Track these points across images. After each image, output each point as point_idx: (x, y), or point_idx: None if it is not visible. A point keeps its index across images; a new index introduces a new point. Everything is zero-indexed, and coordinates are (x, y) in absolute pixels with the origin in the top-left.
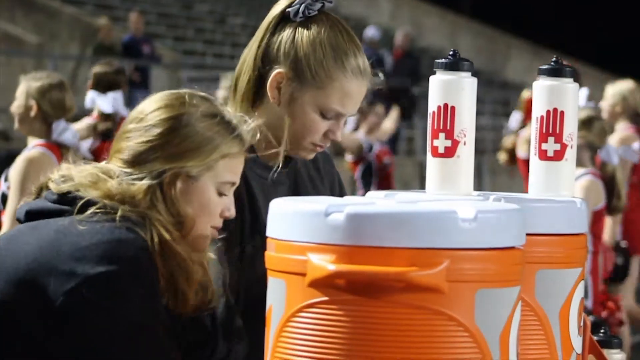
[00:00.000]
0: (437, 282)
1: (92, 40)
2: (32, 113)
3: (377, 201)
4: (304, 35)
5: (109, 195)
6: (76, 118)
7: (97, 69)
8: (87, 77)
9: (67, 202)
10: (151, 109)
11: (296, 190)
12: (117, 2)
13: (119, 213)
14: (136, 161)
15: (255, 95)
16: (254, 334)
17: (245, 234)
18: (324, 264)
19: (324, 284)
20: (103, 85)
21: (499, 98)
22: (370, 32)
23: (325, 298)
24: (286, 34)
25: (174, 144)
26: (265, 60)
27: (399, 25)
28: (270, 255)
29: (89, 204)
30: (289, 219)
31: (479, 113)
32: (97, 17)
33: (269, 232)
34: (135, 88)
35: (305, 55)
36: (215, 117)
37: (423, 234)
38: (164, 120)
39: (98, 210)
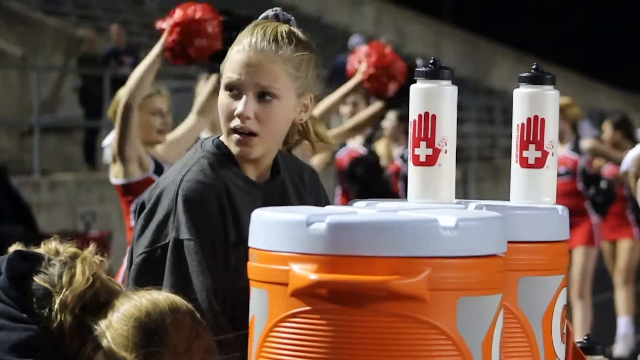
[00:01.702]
0: (418, 290)
1: (76, 51)
2: None
3: (359, 210)
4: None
5: None
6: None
7: None
8: (71, 88)
9: None
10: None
11: (283, 202)
12: (100, 12)
13: None
14: None
15: None
16: (241, 342)
17: (230, 246)
18: (306, 273)
19: (306, 293)
20: None
21: (484, 105)
22: (355, 40)
23: (308, 308)
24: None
25: None
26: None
27: (383, 33)
28: (253, 265)
29: None
30: (271, 229)
31: (463, 120)
32: (81, 28)
33: (251, 243)
34: None
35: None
36: None
37: (404, 243)
38: None
39: None
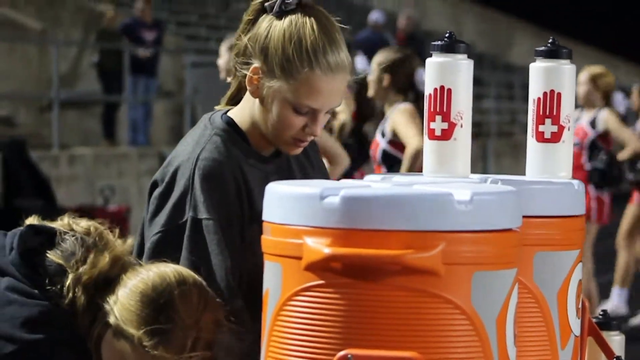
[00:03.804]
0: (433, 264)
1: (96, 26)
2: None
3: (373, 184)
4: (276, 29)
5: None
6: None
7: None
8: (90, 63)
9: None
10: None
11: (289, 177)
12: None
13: None
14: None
15: (242, 90)
16: (255, 318)
17: (245, 222)
18: (320, 247)
19: (319, 267)
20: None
21: (503, 81)
22: (375, 15)
23: (321, 281)
24: (263, 27)
25: None
26: (245, 55)
27: (403, 9)
28: (267, 239)
29: None
30: (285, 202)
31: (483, 96)
32: (100, 3)
33: (265, 216)
34: (139, 73)
35: (276, 49)
36: None
37: (419, 217)
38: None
39: None
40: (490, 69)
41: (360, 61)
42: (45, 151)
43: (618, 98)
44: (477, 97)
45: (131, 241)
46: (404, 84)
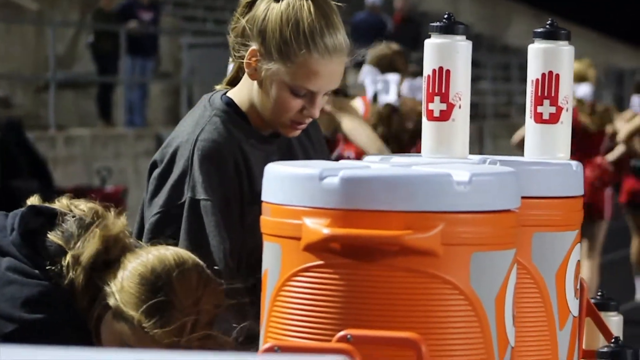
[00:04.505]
0: (432, 245)
1: (92, 7)
2: None
3: (372, 165)
4: (274, 11)
5: None
6: None
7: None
8: (87, 44)
9: None
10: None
11: (290, 158)
12: None
13: None
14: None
15: (240, 71)
16: (256, 300)
17: (245, 204)
18: (319, 227)
19: (319, 247)
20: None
21: (500, 63)
22: None
23: (321, 262)
24: (260, 9)
25: None
26: (243, 37)
27: None
28: (266, 219)
29: None
30: (284, 183)
31: (480, 78)
32: None
33: (264, 197)
34: (135, 54)
35: (273, 32)
36: None
37: (418, 197)
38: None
39: None
40: (487, 51)
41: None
42: (42, 132)
43: (636, 101)
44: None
45: (124, 219)
46: None
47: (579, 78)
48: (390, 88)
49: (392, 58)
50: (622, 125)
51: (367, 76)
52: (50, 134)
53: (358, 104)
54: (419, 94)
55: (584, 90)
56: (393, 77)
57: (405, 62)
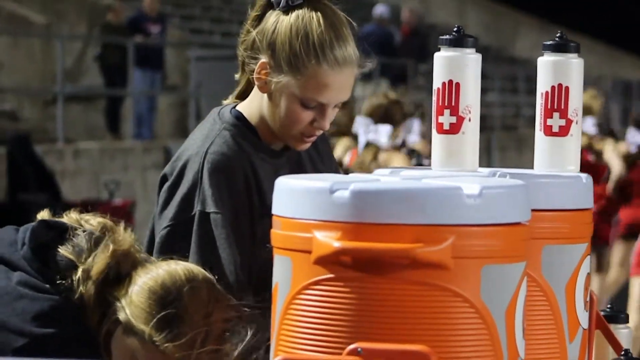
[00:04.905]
0: (442, 258)
1: (100, 20)
2: None
3: (382, 178)
4: (283, 24)
5: None
6: None
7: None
8: (94, 57)
9: None
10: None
11: (299, 172)
12: None
13: None
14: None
15: (249, 84)
16: (266, 313)
17: (255, 217)
18: (330, 241)
19: (329, 261)
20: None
21: (507, 74)
22: (379, 9)
23: (331, 275)
24: (270, 22)
25: None
26: (253, 49)
27: (407, 2)
28: (276, 233)
29: None
30: (295, 196)
31: (487, 89)
32: None
33: (275, 210)
34: (143, 67)
35: (283, 44)
36: None
37: (428, 211)
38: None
39: None
40: (495, 63)
41: None
42: (49, 145)
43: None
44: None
45: (132, 234)
46: None
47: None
48: (381, 139)
49: (387, 108)
50: (613, 159)
51: (360, 127)
52: (58, 147)
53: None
54: (411, 137)
55: (588, 125)
56: (384, 129)
57: (402, 111)
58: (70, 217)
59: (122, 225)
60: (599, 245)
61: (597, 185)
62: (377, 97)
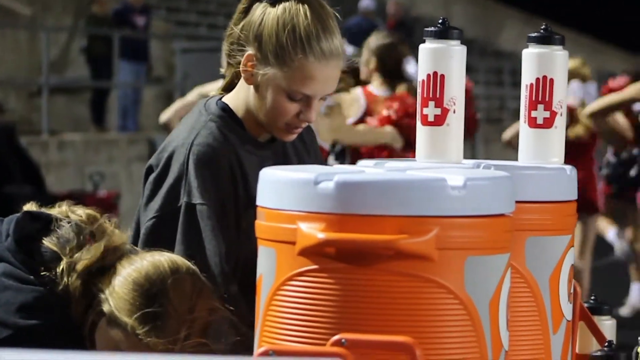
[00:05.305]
0: (426, 249)
1: (86, 12)
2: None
3: (367, 169)
4: (270, 16)
5: None
6: None
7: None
8: (80, 49)
9: None
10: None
11: (284, 163)
12: None
13: None
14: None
15: (236, 76)
16: (251, 305)
17: (240, 209)
18: (314, 232)
19: (313, 252)
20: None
21: (492, 67)
22: (365, 2)
23: (315, 266)
24: (256, 14)
25: None
26: (239, 42)
27: None
28: (260, 224)
29: None
30: (279, 187)
31: (472, 82)
32: None
33: (259, 201)
34: (128, 59)
35: (269, 36)
36: None
37: (412, 202)
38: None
39: None
40: (480, 55)
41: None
42: (34, 137)
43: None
44: None
45: (117, 222)
46: (391, 70)
47: (581, 78)
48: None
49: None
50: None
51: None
52: (43, 139)
53: (358, 94)
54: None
55: (592, 89)
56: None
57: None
58: (60, 209)
59: (110, 218)
60: (588, 214)
61: (588, 163)
62: (380, 36)
